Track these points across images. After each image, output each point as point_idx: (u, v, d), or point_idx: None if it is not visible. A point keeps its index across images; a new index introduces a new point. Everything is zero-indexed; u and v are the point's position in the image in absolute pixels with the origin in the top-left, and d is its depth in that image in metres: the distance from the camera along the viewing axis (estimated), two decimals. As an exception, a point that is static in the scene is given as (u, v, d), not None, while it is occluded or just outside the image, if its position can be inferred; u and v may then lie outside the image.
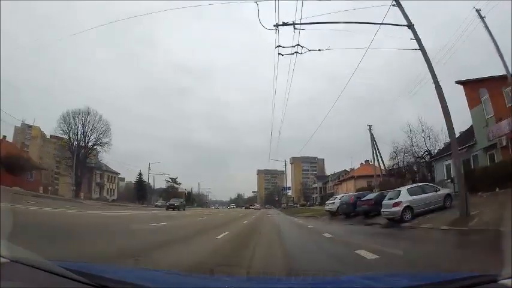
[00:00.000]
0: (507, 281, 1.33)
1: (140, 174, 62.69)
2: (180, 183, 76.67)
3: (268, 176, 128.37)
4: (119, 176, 66.05)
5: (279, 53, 11.20)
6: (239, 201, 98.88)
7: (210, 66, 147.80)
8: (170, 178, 74.29)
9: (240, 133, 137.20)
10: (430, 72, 11.73)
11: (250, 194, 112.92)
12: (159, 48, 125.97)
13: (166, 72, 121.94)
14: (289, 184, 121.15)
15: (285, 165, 56.87)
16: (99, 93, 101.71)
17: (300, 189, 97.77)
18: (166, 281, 2.03)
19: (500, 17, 15.71)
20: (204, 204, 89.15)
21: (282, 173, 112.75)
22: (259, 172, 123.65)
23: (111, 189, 60.91)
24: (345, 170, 67.28)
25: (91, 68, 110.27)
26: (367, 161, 46.72)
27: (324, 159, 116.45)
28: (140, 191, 60.87)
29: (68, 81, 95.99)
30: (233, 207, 78.58)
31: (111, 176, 61.48)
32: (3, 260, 1.45)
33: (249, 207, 78.04)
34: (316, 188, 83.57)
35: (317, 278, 3.29)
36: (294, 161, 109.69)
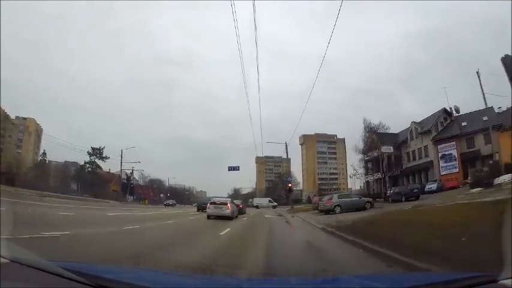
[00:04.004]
0: (507, 281, 1.32)
1: None
2: (108, 158, 49.50)
3: (270, 164, 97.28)
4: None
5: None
6: (237, 197, 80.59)
7: (206, 60, 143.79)
8: (92, 149, 49.52)
9: (237, 128, 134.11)
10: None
11: (250, 189, 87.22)
12: (148, 40, 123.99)
13: (157, 67, 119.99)
14: (298, 173, 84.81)
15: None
16: (89, 87, 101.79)
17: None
18: (166, 282, 2.03)
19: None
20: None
21: (287, 160, 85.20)
22: (258, 160, 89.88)
23: None
24: (444, 109, 34.87)
25: (80, 60, 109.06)
26: None
27: (344, 139, 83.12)
28: None
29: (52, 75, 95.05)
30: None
31: None
32: (3, 260, 1.45)
33: (203, 209, 21.98)
34: (378, 159, 34.77)
35: (317, 278, 3.29)
36: (306, 140, 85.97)
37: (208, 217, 16.20)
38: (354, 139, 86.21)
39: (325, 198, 22.89)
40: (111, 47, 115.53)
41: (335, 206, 19.75)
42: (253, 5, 9.53)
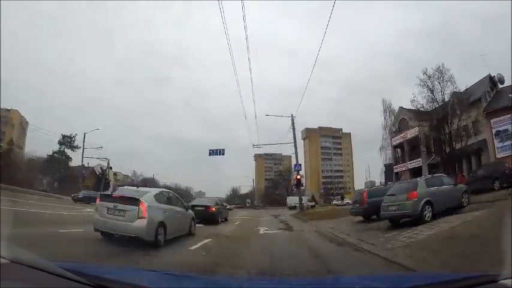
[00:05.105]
0: (507, 281, 1.32)
1: None
2: (79, 147, 38.93)
3: (269, 162, 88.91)
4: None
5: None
6: (235, 199, 72.65)
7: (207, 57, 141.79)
8: (63, 136, 40.80)
9: (237, 129, 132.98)
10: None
11: (249, 188, 79.80)
12: (147, 39, 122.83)
13: (157, 67, 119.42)
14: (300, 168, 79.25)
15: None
16: (88, 86, 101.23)
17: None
18: (165, 282, 2.03)
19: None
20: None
21: (288, 157, 70.32)
22: (257, 157, 79.50)
23: None
24: (490, 76, 27.55)
25: (77, 60, 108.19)
26: None
27: (350, 133, 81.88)
28: None
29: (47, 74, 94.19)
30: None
31: None
32: (3, 260, 1.45)
33: None
34: (413, 143, 29.48)
35: (317, 278, 3.29)
36: (308, 134, 78.78)
37: (103, 234, 6.60)
38: (356, 135, 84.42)
39: (394, 189, 10.67)
40: (108, 47, 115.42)
41: (425, 205, 8.71)
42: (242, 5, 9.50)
